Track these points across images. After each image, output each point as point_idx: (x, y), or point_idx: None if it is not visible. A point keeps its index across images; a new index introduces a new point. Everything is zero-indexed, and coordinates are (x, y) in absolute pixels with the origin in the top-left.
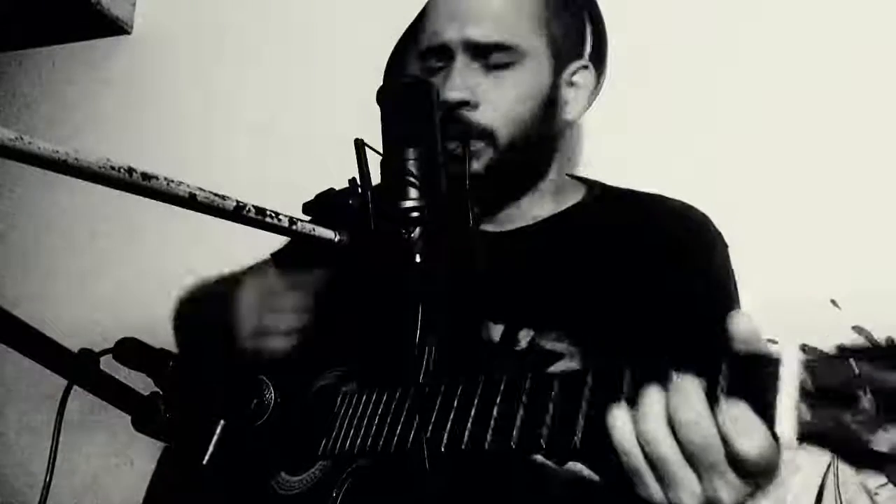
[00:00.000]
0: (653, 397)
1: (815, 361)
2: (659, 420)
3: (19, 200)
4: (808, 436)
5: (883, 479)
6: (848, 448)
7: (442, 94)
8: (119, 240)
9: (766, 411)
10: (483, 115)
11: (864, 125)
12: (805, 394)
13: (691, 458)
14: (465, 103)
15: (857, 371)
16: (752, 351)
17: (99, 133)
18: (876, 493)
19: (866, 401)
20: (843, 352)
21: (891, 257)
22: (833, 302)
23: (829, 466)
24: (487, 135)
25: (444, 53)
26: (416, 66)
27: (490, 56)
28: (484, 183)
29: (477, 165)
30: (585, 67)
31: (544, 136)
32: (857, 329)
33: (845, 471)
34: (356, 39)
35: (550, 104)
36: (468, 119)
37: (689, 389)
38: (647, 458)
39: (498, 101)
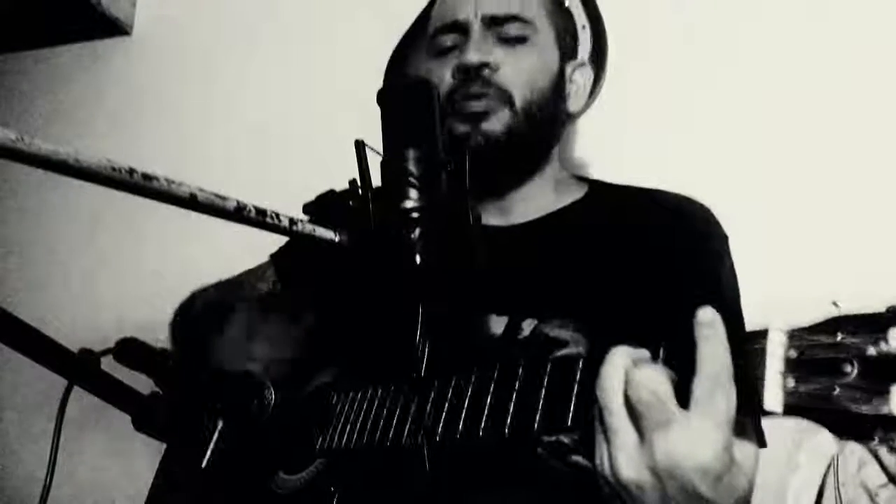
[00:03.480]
0: (618, 353)
1: (800, 333)
2: (615, 377)
3: (20, 200)
4: (794, 407)
5: (884, 480)
6: (834, 419)
7: (460, 61)
8: (119, 239)
9: (753, 384)
10: (501, 77)
11: (868, 124)
12: (791, 365)
13: (636, 413)
14: (485, 65)
15: (841, 341)
16: (717, 337)
17: (99, 133)
18: (876, 494)
19: (852, 371)
20: (828, 323)
21: (892, 257)
22: (834, 304)
23: (829, 466)
24: (506, 96)
25: (459, 30)
26: (424, 51)
27: (506, 27)
28: (502, 152)
29: (497, 126)
30: (583, 65)
31: (552, 115)
32: None
33: (845, 471)
34: (356, 39)
35: (558, 88)
36: (488, 79)
37: (649, 356)
38: (599, 414)
39: (516, 67)
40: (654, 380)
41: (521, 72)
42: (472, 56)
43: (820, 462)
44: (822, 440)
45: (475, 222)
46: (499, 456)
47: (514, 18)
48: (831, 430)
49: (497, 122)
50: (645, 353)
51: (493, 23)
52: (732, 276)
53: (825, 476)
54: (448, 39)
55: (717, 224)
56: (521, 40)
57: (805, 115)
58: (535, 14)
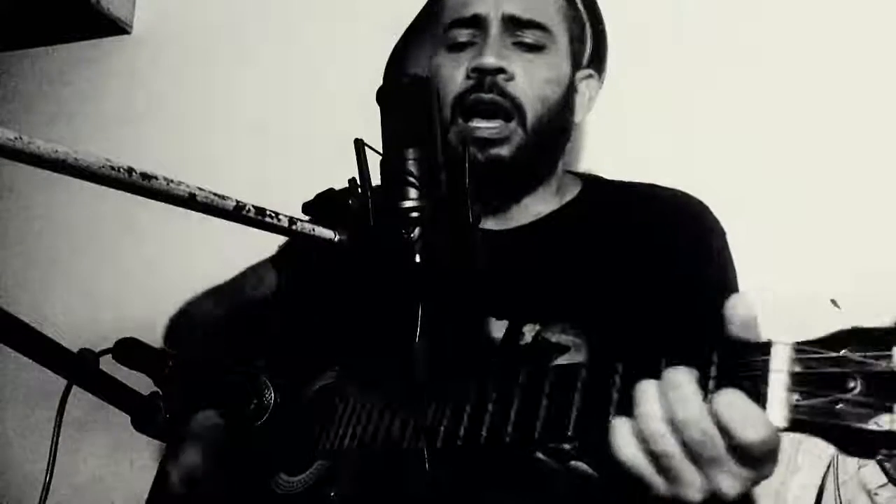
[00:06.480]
0: (649, 394)
1: (805, 348)
2: (657, 420)
3: (19, 200)
4: (798, 423)
5: (883, 479)
6: (838, 434)
7: (477, 62)
8: (119, 239)
9: (756, 399)
10: (516, 87)
11: (868, 123)
12: (795, 381)
13: (692, 453)
14: (501, 70)
15: (846, 357)
16: (748, 336)
17: (99, 133)
18: (876, 494)
19: (856, 386)
20: (833, 337)
21: (892, 256)
22: (833, 302)
23: (829, 466)
24: (519, 110)
25: (476, 26)
26: (432, 43)
27: (524, 33)
28: (508, 175)
29: (505, 152)
30: (591, 76)
31: (561, 128)
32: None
33: (845, 471)
34: (356, 39)
35: (567, 100)
36: (503, 87)
37: (683, 384)
38: (650, 454)
39: (529, 79)
40: (700, 420)
41: (534, 84)
42: (490, 59)
43: (820, 462)
44: (821, 441)
45: (475, 222)
46: (499, 459)
47: (533, 24)
48: (835, 445)
49: (506, 149)
50: (686, 374)
51: (513, 24)
52: (733, 273)
53: (825, 476)
54: (463, 34)
55: (715, 220)
56: (537, 48)
57: (805, 114)
58: (552, 20)
